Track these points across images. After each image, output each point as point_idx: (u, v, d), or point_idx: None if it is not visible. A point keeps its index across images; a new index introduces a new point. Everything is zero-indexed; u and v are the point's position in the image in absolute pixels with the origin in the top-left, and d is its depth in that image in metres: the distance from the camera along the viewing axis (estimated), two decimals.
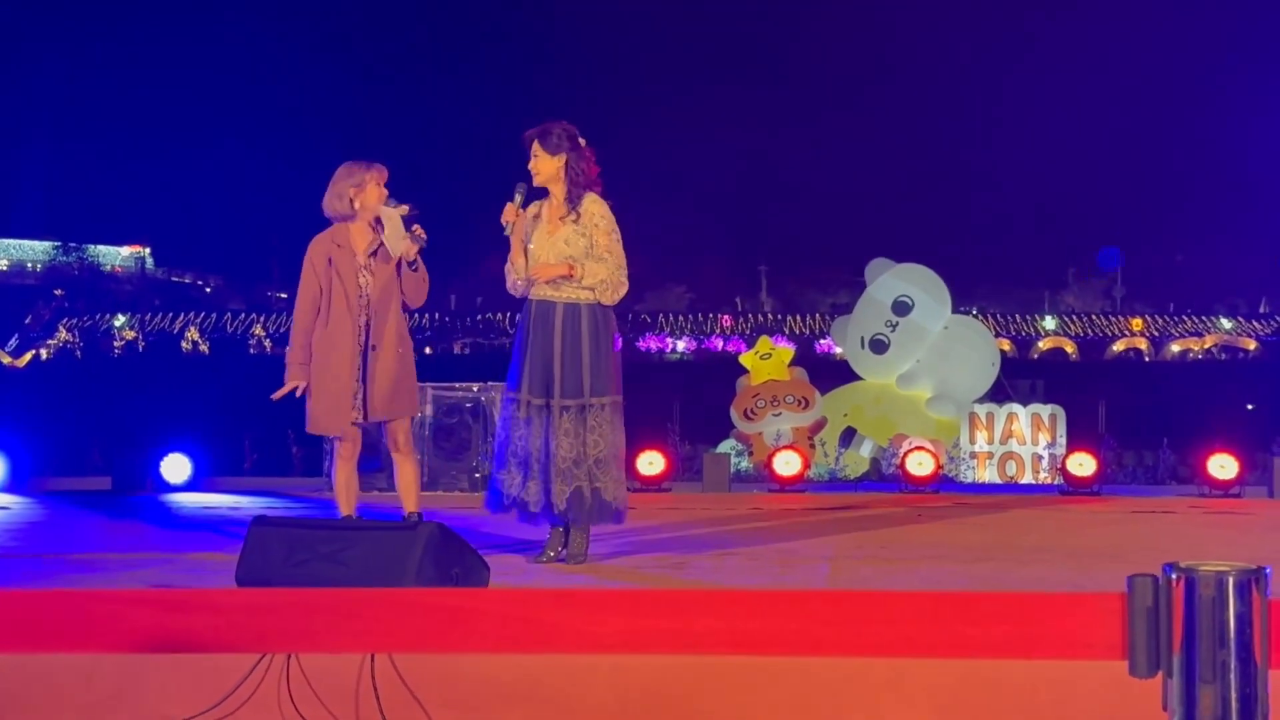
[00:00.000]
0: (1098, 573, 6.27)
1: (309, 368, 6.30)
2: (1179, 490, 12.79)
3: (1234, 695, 2.20)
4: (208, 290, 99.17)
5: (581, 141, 6.42)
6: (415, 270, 6.36)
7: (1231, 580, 2.22)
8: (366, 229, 6.34)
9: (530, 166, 6.39)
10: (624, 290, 6.40)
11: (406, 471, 6.47)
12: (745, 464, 14.61)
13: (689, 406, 18.09)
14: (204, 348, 70.26)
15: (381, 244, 6.31)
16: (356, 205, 6.30)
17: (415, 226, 6.31)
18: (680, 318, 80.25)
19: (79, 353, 69.26)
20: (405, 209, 6.31)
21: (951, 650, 2.46)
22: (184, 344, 70.93)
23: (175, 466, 11.90)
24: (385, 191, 6.34)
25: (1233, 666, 2.20)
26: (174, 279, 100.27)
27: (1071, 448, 13.14)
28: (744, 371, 15.47)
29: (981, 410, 15.11)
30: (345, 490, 6.40)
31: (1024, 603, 2.40)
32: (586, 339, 6.31)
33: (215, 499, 10.94)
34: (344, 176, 6.34)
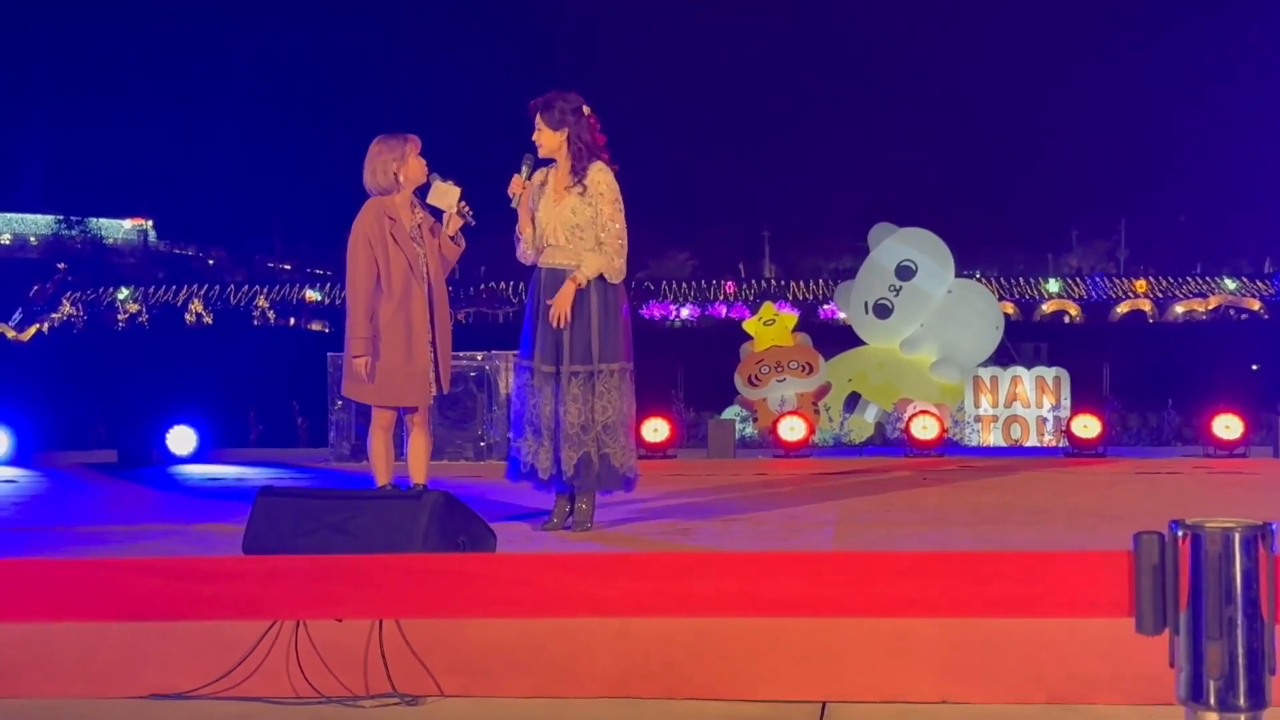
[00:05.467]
0: (1103, 533, 6.27)
1: (377, 342, 6.25)
2: (1184, 451, 12.78)
3: (1241, 651, 2.20)
4: (210, 263, 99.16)
5: (586, 110, 6.40)
6: (457, 244, 6.47)
7: (1238, 536, 2.22)
8: (409, 201, 6.36)
9: (535, 138, 6.40)
10: (623, 264, 6.41)
11: (421, 444, 6.50)
12: (750, 430, 14.61)
13: (693, 373, 18.10)
14: (207, 320, 70.38)
15: (431, 218, 6.37)
16: (400, 178, 6.33)
17: (462, 204, 6.36)
18: (684, 284, 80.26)
19: (83, 326, 69.37)
20: (455, 186, 6.35)
21: (957, 610, 2.46)
22: (187, 316, 71.05)
23: (181, 438, 11.91)
24: (424, 162, 6.38)
25: (1239, 622, 2.20)
26: (177, 251, 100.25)
27: (1076, 410, 13.13)
28: (748, 338, 15.45)
29: (985, 374, 15.10)
30: (384, 460, 6.41)
31: (1030, 562, 2.40)
32: (595, 306, 6.33)
33: (221, 470, 10.96)
34: (384, 150, 6.35)
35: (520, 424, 6.46)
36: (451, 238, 6.42)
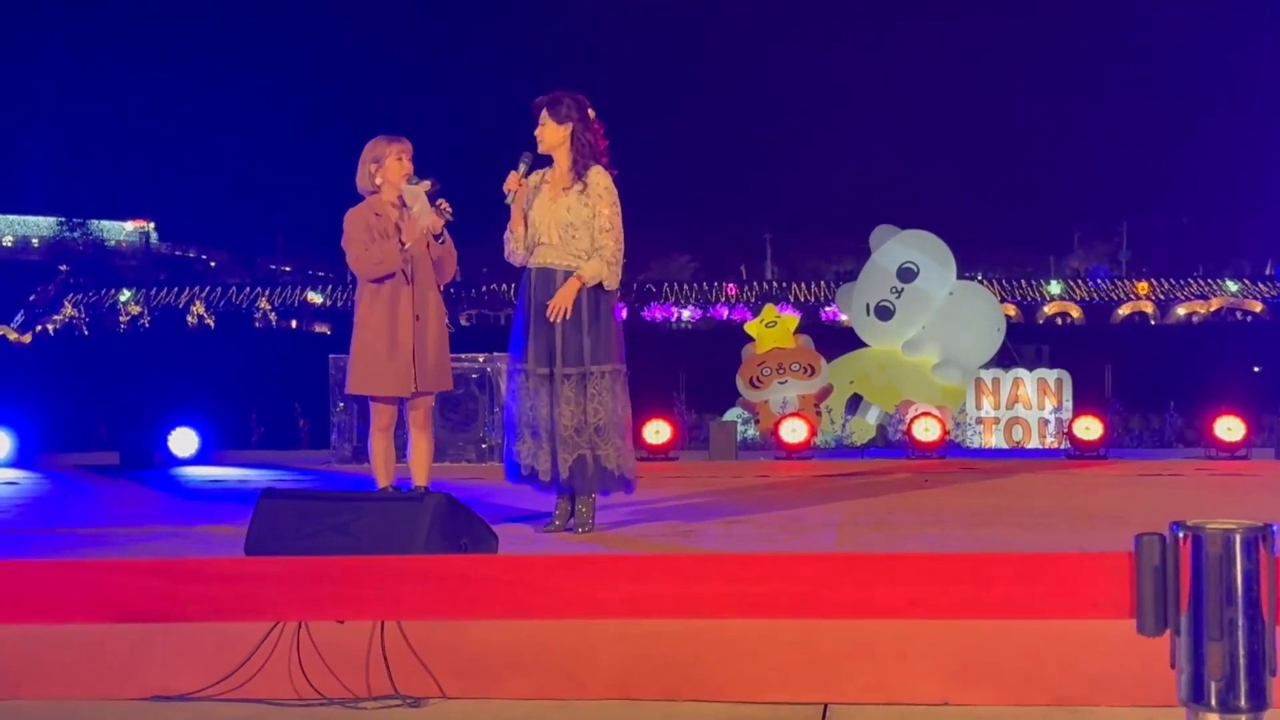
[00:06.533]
0: (1104, 535, 6.27)
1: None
2: (1186, 453, 12.78)
3: (1242, 652, 2.21)
4: (212, 265, 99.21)
5: (591, 113, 6.39)
6: (442, 243, 6.44)
7: (1239, 538, 2.22)
8: (394, 204, 6.38)
9: (536, 134, 6.38)
10: (618, 273, 6.41)
11: (422, 446, 6.51)
12: (752, 432, 14.62)
13: (695, 375, 18.12)
14: (209, 322, 70.37)
15: (408, 220, 6.37)
16: (378, 180, 6.38)
17: (440, 201, 6.35)
18: (685, 286, 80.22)
19: (85, 328, 69.42)
20: (428, 185, 6.33)
21: (959, 612, 2.46)
22: (189, 318, 71.04)
23: (183, 440, 11.92)
24: (408, 166, 6.38)
25: (1240, 623, 2.20)
26: (179, 253, 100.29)
27: (1078, 412, 13.13)
28: (749, 339, 15.46)
29: (987, 376, 15.10)
30: (384, 461, 6.44)
31: (1031, 564, 2.41)
32: (586, 306, 6.31)
33: (223, 472, 10.96)
34: (367, 152, 6.45)
35: (516, 426, 6.43)
36: (437, 236, 6.40)
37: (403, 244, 6.30)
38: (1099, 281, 79.04)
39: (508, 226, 6.45)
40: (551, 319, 6.27)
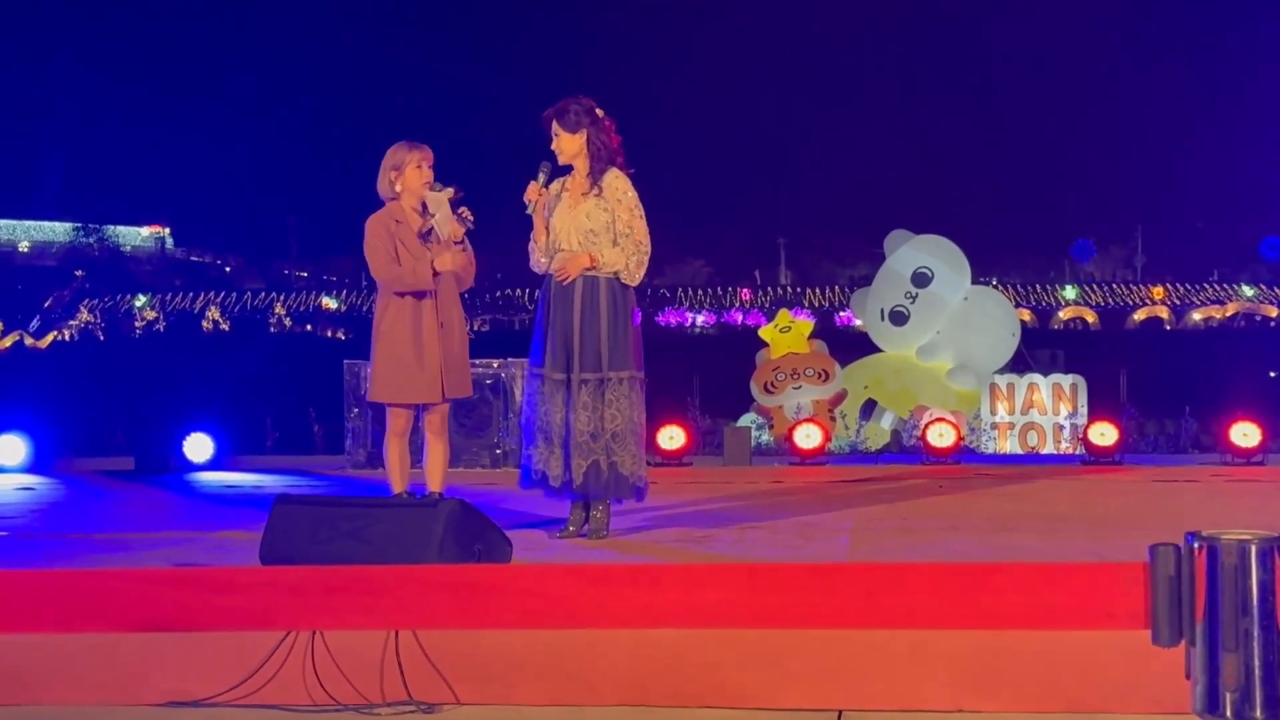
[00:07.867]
0: (1120, 542, 6.25)
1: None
2: (1201, 459, 12.73)
3: (1257, 662, 2.20)
4: (227, 270, 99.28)
5: (600, 114, 6.41)
6: (463, 251, 6.46)
7: (1254, 548, 2.22)
8: (417, 208, 6.40)
9: (553, 147, 6.41)
10: (643, 271, 6.42)
11: (438, 452, 6.52)
12: (766, 437, 14.61)
13: (709, 380, 18.11)
14: (225, 327, 70.54)
15: (432, 228, 6.38)
16: (398, 188, 6.39)
17: (462, 209, 6.38)
18: (699, 292, 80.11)
19: (100, 333, 69.61)
20: (450, 192, 6.36)
21: (972, 621, 2.46)
22: (204, 323, 71.21)
23: (198, 446, 11.95)
24: (429, 174, 6.40)
25: (1256, 634, 2.20)
26: (194, 259, 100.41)
27: (1093, 417, 13.10)
28: (764, 345, 15.46)
29: (1002, 381, 15.08)
30: (399, 467, 6.44)
31: (1045, 573, 2.40)
32: (605, 312, 6.31)
33: (238, 478, 10.99)
34: (388, 158, 6.47)
35: (532, 431, 6.44)
36: (457, 243, 6.42)
37: (435, 271, 6.32)
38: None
39: (531, 236, 6.47)
40: (558, 275, 6.31)
